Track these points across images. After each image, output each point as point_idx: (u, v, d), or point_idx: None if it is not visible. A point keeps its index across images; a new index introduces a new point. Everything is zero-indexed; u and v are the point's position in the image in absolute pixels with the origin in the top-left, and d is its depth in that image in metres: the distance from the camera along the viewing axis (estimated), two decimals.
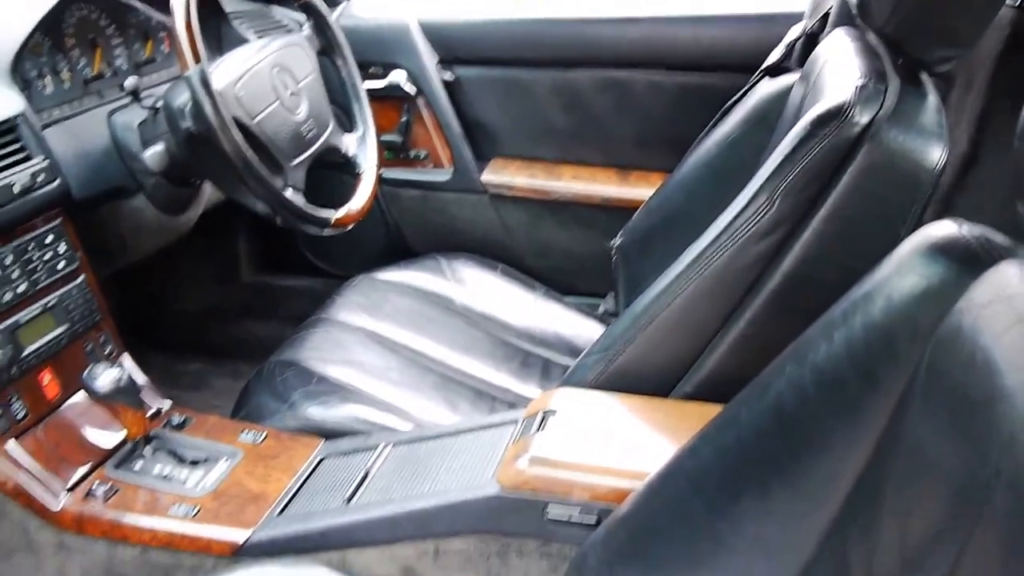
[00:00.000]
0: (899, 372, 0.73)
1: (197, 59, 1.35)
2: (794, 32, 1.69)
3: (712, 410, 0.97)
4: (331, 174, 1.70)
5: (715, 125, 1.69)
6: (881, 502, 0.70)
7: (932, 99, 1.17)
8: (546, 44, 1.98)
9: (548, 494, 1.10)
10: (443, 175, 2.09)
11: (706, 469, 0.88)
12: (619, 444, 1.15)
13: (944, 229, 0.76)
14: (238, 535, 1.25)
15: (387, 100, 2.03)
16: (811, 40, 1.64)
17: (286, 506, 1.29)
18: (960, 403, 0.63)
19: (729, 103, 1.68)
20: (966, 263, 0.73)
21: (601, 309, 1.97)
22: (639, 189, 1.97)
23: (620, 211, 1.92)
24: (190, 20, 1.36)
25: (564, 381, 1.31)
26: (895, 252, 0.79)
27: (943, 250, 0.75)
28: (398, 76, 2.03)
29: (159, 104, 1.55)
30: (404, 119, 2.08)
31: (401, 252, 2.12)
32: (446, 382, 1.68)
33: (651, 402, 1.22)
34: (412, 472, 1.27)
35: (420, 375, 1.68)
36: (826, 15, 1.63)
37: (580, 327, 1.90)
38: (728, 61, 1.89)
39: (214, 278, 2.33)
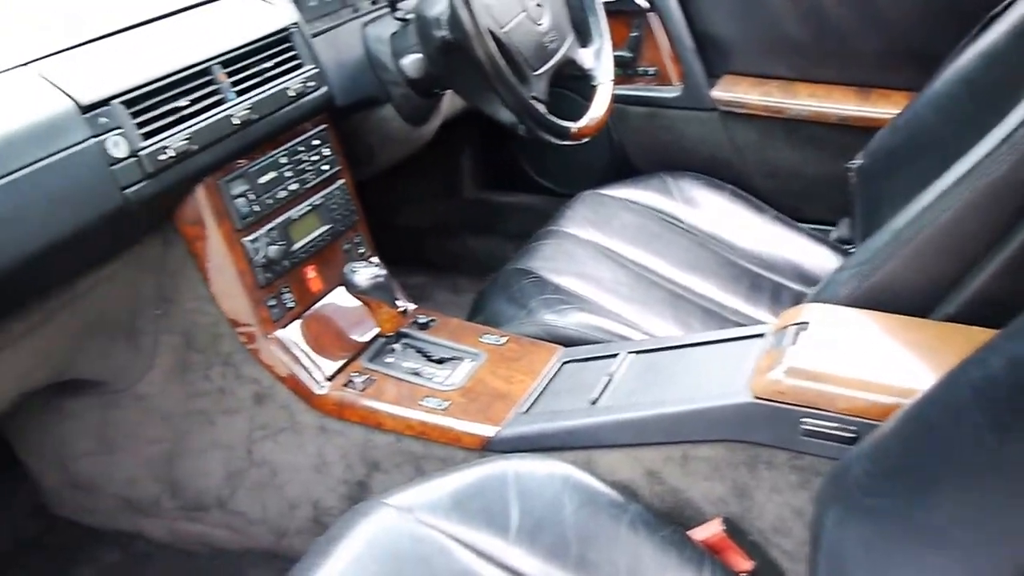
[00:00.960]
0: None
1: None
2: None
3: (978, 334, 0.93)
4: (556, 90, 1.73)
5: (974, 38, 1.60)
6: None
7: None
8: None
9: (804, 406, 1.10)
10: (672, 92, 2.08)
11: (994, 381, 0.85)
12: (879, 361, 1.12)
13: None
14: (486, 430, 1.31)
15: (617, 15, 2.01)
16: None
17: (531, 406, 1.35)
18: None
19: (992, 13, 1.57)
20: None
21: (833, 235, 1.93)
22: (880, 108, 1.89)
23: (858, 131, 1.86)
24: None
25: (814, 297, 1.30)
26: None
27: None
28: None
29: (410, 16, 1.61)
30: (634, 34, 2.07)
31: (624, 170, 2.12)
32: (675, 299, 1.69)
33: (911, 322, 1.19)
34: (656, 379, 1.30)
35: (649, 291, 1.69)
36: None
37: (810, 253, 1.87)
38: None
39: (437, 194, 2.41)
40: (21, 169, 1.06)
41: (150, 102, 1.22)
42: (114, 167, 1.16)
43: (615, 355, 1.38)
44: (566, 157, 2.00)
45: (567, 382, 1.39)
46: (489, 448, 1.31)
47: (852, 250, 1.88)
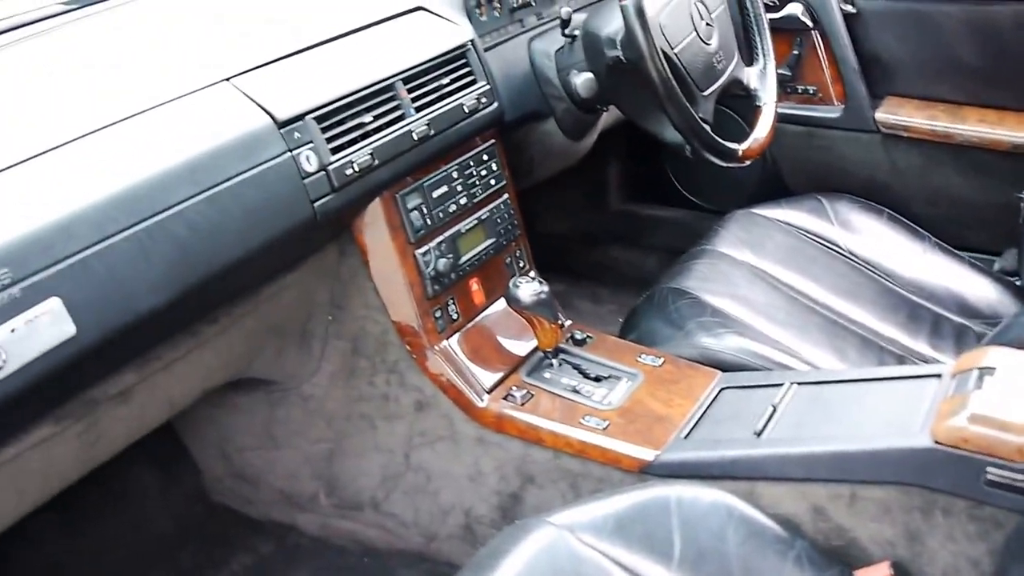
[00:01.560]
0: None
1: None
2: None
3: None
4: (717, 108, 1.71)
5: None
6: None
7: None
8: None
9: (989, 455, 1.07)
10: (832, 112, 2.04)
11: None
12: None
13: None
14: (646, 453, 1.31)
15: (778, 32, 1.98)
16: None
17: (691, 431, 1.34)
18: None
19: None
20: None
21: (997, 266, 1.86)
22: None
23: None
24: None
25: (997, 339, 1.26)
26: None
27: None
28: (794, 8, 1.99)
29: (577, 32, 1.62)
30: (795, 52, 2.03)
31: (776, 190, 2.09)
32: (831, 326, 1.66)
33: None
34: (824, 413, 1.28)
35: (805, 317, 1.67)
36: None
37: (973, 284, 1.81)
38: None
39: (582, 204, 2.42)
40: (223, 183, 1.11)
41: (338, 118, 1.26)
42: (306, 181, 1.20)
43: (779, 385, 1.36)
44: (716, 173, 1.98)
45: (728, 409, 1.38)
46: (648, 471, 1.31)
47: (1018, 281, 1.82)
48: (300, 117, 1.21)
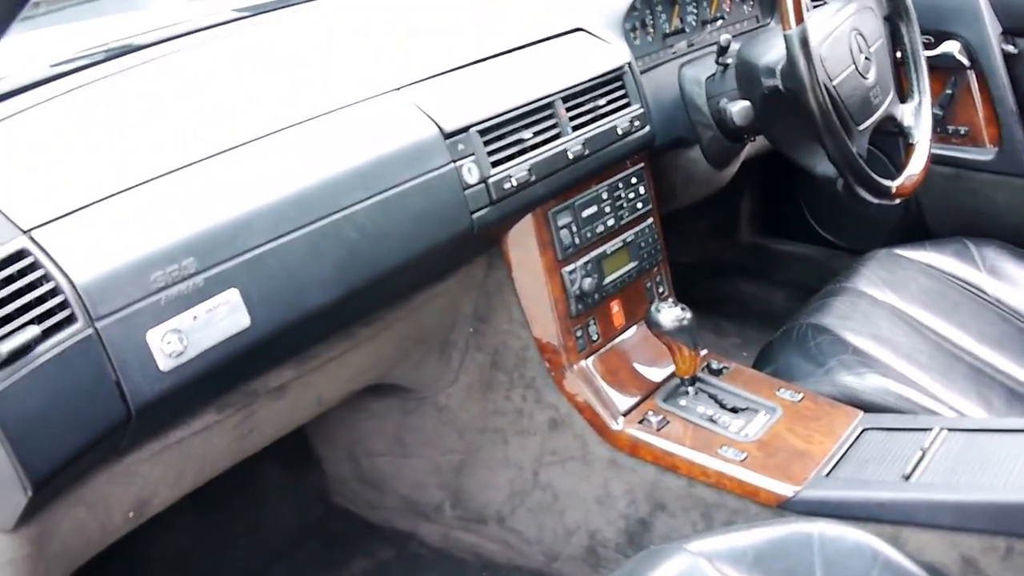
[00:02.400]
0: None
1: (800, 19, 1.38)
2: None
3: None
4: None
5: None
6: None
7: None
8: None
9: None
10: (985, 154, 1.98)
11: None
12: None
13: None
14: (786, 489, 1.29)
15: (933, 71, 1.94)
16: None
17: (832, 469, 1.32)
18: None
19: None
20: None
21: None
22: None
23: None
24: None
25: None
26: None
27: None
28: (951, 46, 1.94)
29: (730, 61, 1.62)
30: (949, 92, 1.99)
31: (917, 231, 2.04)
32: (977, 375, 1.61)
33: None
34: (977, 462, 1.24)
35: (950, 363, 1.62)
36: None
37: None
38: None
39: (711, 234, 2.41)
40: (392, 188, 1.15)
41: (500, 132, 1.29)
42: (466, 192, 1.23)
43: (927, 429, 1.33)
44: (854, 211, 1.95)
45: (871, 451, 1.35)
46: (786, 507, 1.29)
47: None
48: (465, 129, 1.24)
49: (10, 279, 0.87)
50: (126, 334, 0.92)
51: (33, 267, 0.89)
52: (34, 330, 0.86)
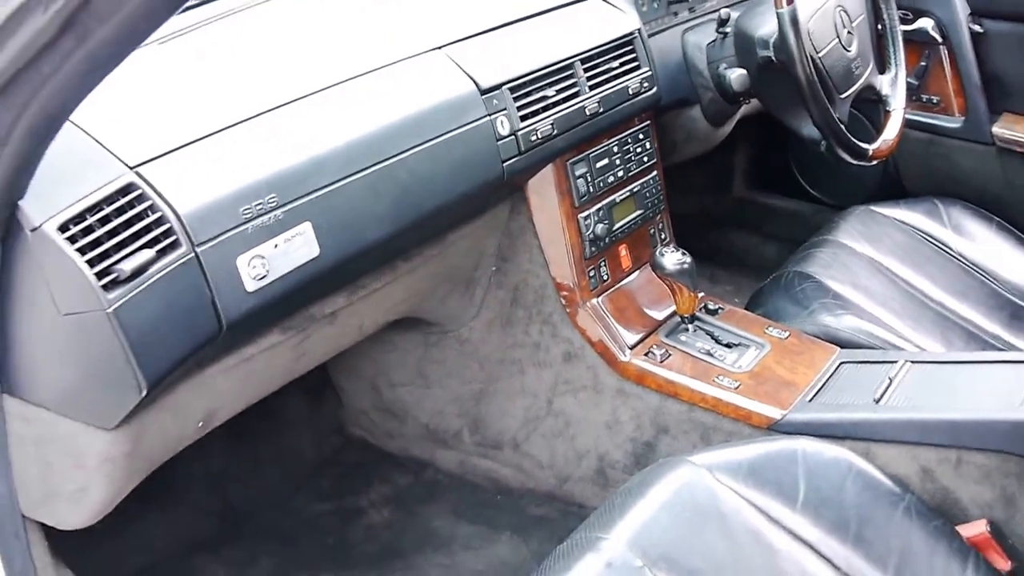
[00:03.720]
0: None
1: None
2: None
3: None
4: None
5: None
6: None
7: None
8: None
9: None
10: (953, 122, 2.16)
11: None
12: None
13: None
14: (774, 412, 1.47)
15: (909, 44, 2.11)
16: None
17: (814, 396, 1.49)
18: None
19: None
20: None
21: None
22: None
23: None
24: None
25: None
26: None
27: None
28: (925, 23, 2.12)
29: (730, 29, 1.77)
30: (923, 64, 2.16)
31: (894, 190, 2.23)
32: (941, 319, 1.79)
33: None
34: (936, 387, 1.42)
35: (917, 308, 1.80)
36: None
37: None
38: None
39: (707, 187, 2.58)
40: (437, 138, 1.30)
41: (527, 89, 1.44)
42: (499, 143, 1.39)
43: (894, 362, 1.51)
44: (839, 170, 2.11)
45: (847, 380, 1.53)
46: (775, 428, 1.47)
47: None
48: (499, 87, 1.39)
49: (122, 209, 1.02)
50: (221, 258, 1.07)
51: (141, 198, 1.03)
52: (149, 253, 1.00)
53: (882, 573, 1.18)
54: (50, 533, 1.20)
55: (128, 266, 0.98)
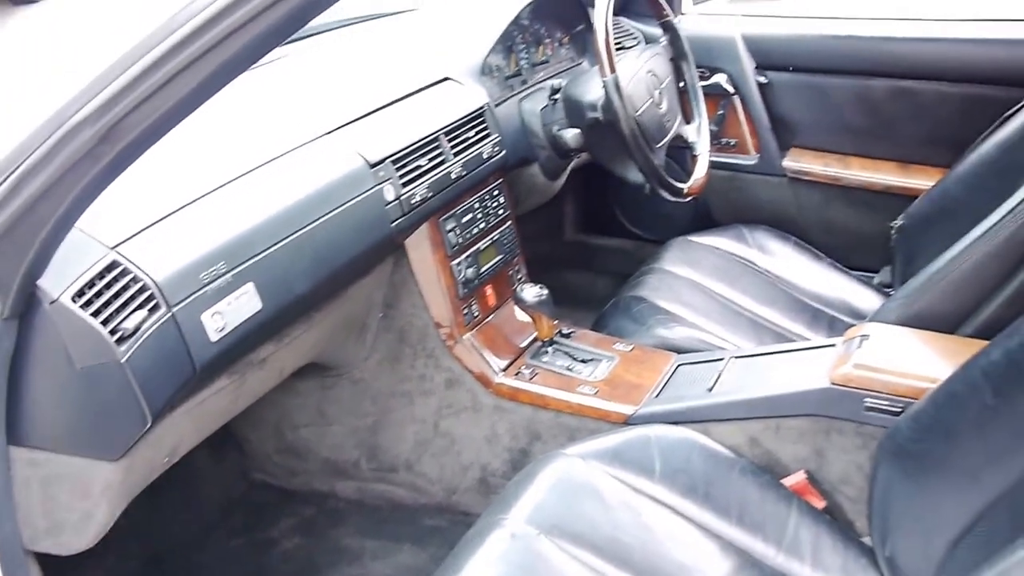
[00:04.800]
0: None
1: (612, 69, 2.01)
2: None
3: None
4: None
5: (995, 130, 2.23)
6: None
7: None
8: (849, 57, 2.59)
9: (867, 389, 1.70)
10: (749, 160, 2.74)
11: (996, 364, 1.46)
12: (918, 361, 1.74)
13: None
14: (628, 409, 1.91)
15: (708, 96, 2.65)
16: None
17: (659, 393, 1.95)
18: None
19: (1009, 112, 2.21)
20: None
21: (876, 280, 2.55)
22: (918, 180, 2.54)
23: (900, 198, 2.50)
24: (608, 38, 2.02)
25: (871, 319, 1.91)
26: None
27: None
28: (719, 78, 2.68)
29: (559, 96, 2.25)
30: (720, 112, 2.72)
31: (705, 222, 2.77)
32: (753, 324, 2.30)
33: (940, 337, 1.80)
34: (755, 375, 1.90)
35: (734, 318, 2.31)
36: None
37: (858, 293, 2.48)
38: (1007, 77, 2.42)
39: (542, 234, 3.05)
40: (341, 206, 1.69)
41: (405, 160, 1.85)
42: (387, 207, 1.78)
43: (721, 359, 1.99)
44: (656, 209, 2.63)
45: (684, 378, 1.99)
46: (629, 421, 1.90)
47: (891, 291, 2.51)
48: (384, 160, 1.79)
49: (112, 281, 1.35)
50: (190, 315, 1.42)
51: (124, 272, 1.37)
52: (143, 312, 1.35)
53: (727, 521, 1.60)
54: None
55: (130, 324, 1.32)
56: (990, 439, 1.43)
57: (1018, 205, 1.72)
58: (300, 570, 2.07)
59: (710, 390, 1.89)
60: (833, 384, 1.73)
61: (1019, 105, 2.20)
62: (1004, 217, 1.74)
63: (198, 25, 1.07)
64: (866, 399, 1.71)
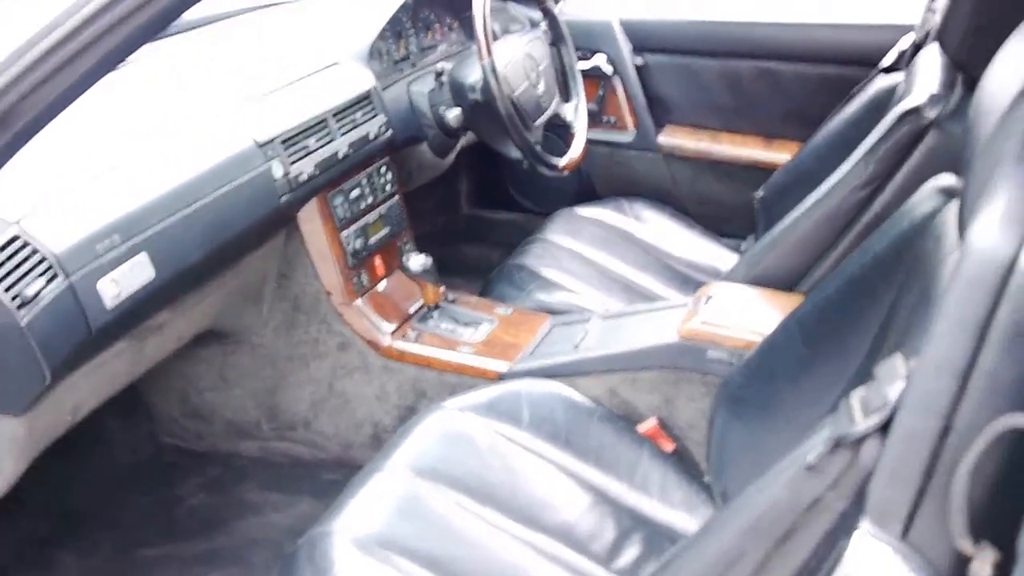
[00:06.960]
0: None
1: (489, 53, 2.19)
2: (906, 41, 2.43)
3: None
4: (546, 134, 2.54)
5: (842, 106, 2.45)
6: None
7: None
8: (717, 40, 2.81)
9: (709, 343, 1.91)
10: (627, 137, 2.94)
11: (807, 315, 1.67)
12: (756, 315, 1.95)
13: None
14: (503, 366, 2.11)
15: (588, 77, 2.86)
16: (917, 49, 2.38)
17: (533, 351, 2.15)
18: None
19: (853, 91, 2.43)
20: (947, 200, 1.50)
21: (743, 247, 2.76)
22: (780, 153, 2.77)
23: (764, 170, 2.72)
24: (486, 24, 2.19)
25: (722, 279, 2.12)
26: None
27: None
28: (599, 60, 2.88)
29: (445, 79, 2.42)
30: (601, 93, 2.92)
31: (589, 195, 2.97)
32: (627, 289, 2.51)
33: (778, 293, 2.02)
34: (616, 333, 2.10)
35: (608, 283, 2.51)
36: (928, 31, 2.37)
37: (726, 259, 2.70)
38: (856, 58, 2.64)
39: (439, 209, 3.23)
40: (231, 182, 1.84)
41: (293, 139, 2.01)
42: (275, 183, 1.95)
43: (588, 320, 2.19)
44: (544, 183, 2.82)
45: (556, 337, 2.19)
46: (504, 377, 2.09)
47: None
48: (272, 140, 1.95)
49: (13, 255, 1.50)
50: (86, 284, 1.57)
51: (25, 245, 1.52)
52: (41, 281, 1.50)
53: (585, 463, 1.78)
54: None
55: (29, 292, 1.47)
56: (802, 384, 1.63)
57: (846, 174, 1.94)
58: (207, 523, 2.23)
59: (576, 347, 2.09)
60: (681, 339, 1.94)
61: (861, 83, 2.42)
62: (835, 185, 1.96)
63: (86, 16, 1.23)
64: (708, 351, 1.91)
